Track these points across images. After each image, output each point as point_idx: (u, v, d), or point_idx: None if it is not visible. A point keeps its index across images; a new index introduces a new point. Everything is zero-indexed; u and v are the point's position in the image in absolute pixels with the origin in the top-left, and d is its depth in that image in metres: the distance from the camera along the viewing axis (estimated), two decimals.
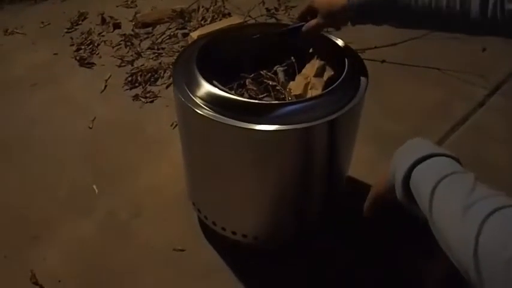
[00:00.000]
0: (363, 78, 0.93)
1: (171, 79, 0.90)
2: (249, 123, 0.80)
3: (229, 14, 2.13)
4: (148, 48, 1.93)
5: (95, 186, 1.29)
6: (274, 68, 1.04)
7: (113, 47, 1.96)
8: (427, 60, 1.78)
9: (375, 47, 1.80)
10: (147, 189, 1.28)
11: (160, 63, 1.82)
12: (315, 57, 0.99)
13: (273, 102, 0.94)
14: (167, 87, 1.69)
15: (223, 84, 0.98)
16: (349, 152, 1.01)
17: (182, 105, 0.87)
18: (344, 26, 0.92)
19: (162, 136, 1.47)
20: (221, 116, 0.82)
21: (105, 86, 1.72)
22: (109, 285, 1.07)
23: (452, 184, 0.60)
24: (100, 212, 1.23)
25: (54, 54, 1.92)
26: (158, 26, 2.08)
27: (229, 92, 0.90)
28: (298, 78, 0.98)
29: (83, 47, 1.96)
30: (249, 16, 2.12)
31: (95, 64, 1.85)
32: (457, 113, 1.55)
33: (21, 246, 1.15)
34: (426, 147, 0.68)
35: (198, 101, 0.86)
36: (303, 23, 0.94)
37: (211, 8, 2.15)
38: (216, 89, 0.85)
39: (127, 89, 1.70)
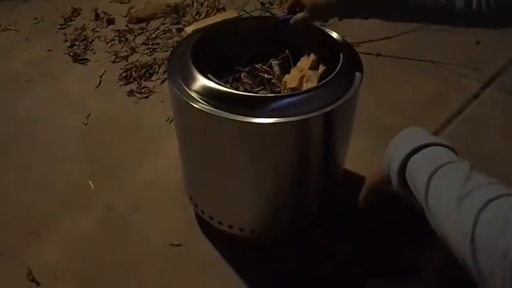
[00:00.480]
0: (357, 71, 0.93)
1: (166, 74, 0.90)
2: (244, 116, 0.81)
3: (223, 9, 2.12)
4: (143, 43, 1.92)
5: (90, 182, 1.29)
6: (270, 62, 1.04)
7: (107, 43, 1.95)
8: (422, 53, 1.78)
9: (370, 41, 1.81)
10: (144, 184, 1.28)
11: (154, 58, 1.81)
12: (310, 50, 0.99)
13: (269, 95, 0.94)
14: (162, 82, 1.69)
15: (219, 78, 0.98)
16: (345, 144, 1.01)
17: (178, 99, 0.87)
18: (332, 20, 0.93)
19: (158, 131, 1.46)
20: (217, 110, 0.82)
21: (100, 81, 1.72)
22: (106, 280, 1.07)
23: (448, 173, 0.60)
24: (97, 207, 1.23)
25: (48, 50, 1.91)
26: (152, 21, 2.07)
27: (224, 85, 0.90)
28: (294, 71, 0.98)
29: (76, 43, 1.94)
30: (244, 10, 2.11)
31: (89, 60, 1.84)
32: (451, 105, 1.56)
33: (18, 243, 1.14)
34: (422, 137, 0.68)
35: (194, 95, 0.86)
36: (291, 15, 0.94)
37: (206, 2, 2.14)
38: (212, 82, 0.85)
39: (122, 85, 1.69)
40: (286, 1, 2.19)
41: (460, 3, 0.79)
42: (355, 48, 1.02)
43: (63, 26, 2.08)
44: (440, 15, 0.83)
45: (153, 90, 1.65)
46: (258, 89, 0.99)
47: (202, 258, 1.09)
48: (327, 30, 1.02)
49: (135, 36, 1.98)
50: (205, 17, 2.03)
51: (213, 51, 1.03)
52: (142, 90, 1.65)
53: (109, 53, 1.87)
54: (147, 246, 1.13)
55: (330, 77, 0.86)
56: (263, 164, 0.88)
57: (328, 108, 0.83)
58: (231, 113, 0.81)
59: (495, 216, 0.51)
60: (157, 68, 1.76)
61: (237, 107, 0.81)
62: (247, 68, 1.03)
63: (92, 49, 1.91)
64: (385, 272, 1.04)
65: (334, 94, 0.85)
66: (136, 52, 1.87)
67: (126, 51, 1.88)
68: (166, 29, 2.01)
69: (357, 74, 0.92)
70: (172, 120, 1.42)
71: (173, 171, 1.21)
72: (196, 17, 2.04)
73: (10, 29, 2.08)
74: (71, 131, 1.49)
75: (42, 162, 1.38)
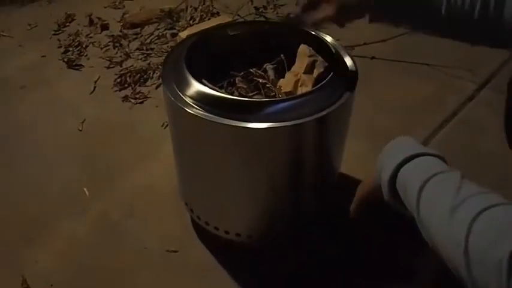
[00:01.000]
0: (352, 75, 0.93)
1: (161, 79, 0.90)
2: (239, 121, 0.80)
3: (217, 13, 2.12)
4: (137, 48, 1.92)
5: (85, 189, 1.28)
6: (264, 66, 1.03)
7: (101, 48, 1.94)
8: (416, 55, 1.78)
9: (364, 44, 1.81)
10: (139, 190, 1.28)
11: (149, 63, 1.81)
12: (304, 54, 0.98)
13: (263, 99, 0.94)
14: (157, 87, 1.68)
15: (213, 82, 0.98)
16: (341, 148, 1.01)
17: (172, 104, 0.87)
18: (350, 23, 0.88)
19: (153, 137, 1.46)
20: (211, 115, 0.82)
21: (94, 87, 1.71)
22: (102, 287, 1.06)
23: (439, 183, 0.60)
24: (92, 213, 1.22)
25: (42, 56, 1.90)
26: (146, 26, 2.07)
27: (219, 90, 0.90)
28: (288, 75, 0.98)
29: (70, 48, 1.94)
30: (238, 15, 2.11)
31: (83, 66, 1.84)
32: (447, 107, 1.56)
33: (12, 250, 1.13)
34: (412, 147, 0.68)
35: (188, 100, 0.85)
36: (303, 16, 0.90)
37: (200, 7, 2.14)
38: (206, 87, 0.85)
39: (116, 90, 1.68)
40: (281, 5, 2.20)
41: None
42: (349, 51, 1.02)
43: (57, 32, 2.07)
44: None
45: (148, 96, 1.65)
46: (252, 94, 0.99)
47: (199, 264, 1.08)
48: (321, 34, 1.02)
49: (130, 41, 1.97)
50: (199, 21, 2.03)
51: (208, 55, 1.03)
52: (137, 96, 1.65)
53: (103, 58, 1.86)
54: (143, 252, 1.12)
55: (324, 81, 0.85)
56: (258, 168, 0.88)
57: (323, 113, 0.83)
58: (225, 118, 0.81)
59: (488, 225, 0.50)
60: (152, 73, 1.76)
61: (231, 112, 0.81)
62: (242, 73, 1.02)
63: (86, 55, 1.90)
64: (382, 274, 1.03)
65: (329, 98, 0.85)
66: (130, 57, 1.86)
67: (120, 56, 1.87)
68: (160, 34, 2.01)
69: (352, 78, 0.92)
70: (167, 125, 1.42)
71: (168, 177, 1.20)
72: (191, 22, 2.04)
73: (3, 35, 2.07)
74: (66, 137, 1.48)
75: (36, 168, 1.37)
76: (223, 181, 0.93)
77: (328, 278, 1.05)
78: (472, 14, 0.74)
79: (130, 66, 1.79)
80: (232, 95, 0.97)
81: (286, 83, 0.96)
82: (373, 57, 1.78)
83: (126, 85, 1.71)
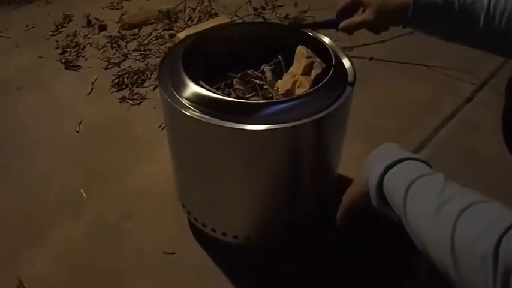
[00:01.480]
0: (350, 76, 0.92)
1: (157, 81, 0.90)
2: (237, 123, 0.80)
3: (216, 14, 2.12)
4: (135, 49, 1.91)
5: (82, 191, 1.28)
6: (262, 67, 1.03)
7: (99, 49, 1.94)
8: (415, 57, 1.78)
9: (363, 45, 1.81)
10: (136, 192, 1.27)
11: (147, 64, 1.80)
12: (302, 55, 0.98)
13: (260, 101, 0.93)
14: (154, 88, 1.68)
15: (210, 84, 0.97)
16: (338, 149, 1.01)
17: (169, 106, 0.86)
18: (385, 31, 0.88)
19: (150, 138, 1.45)
20: (208, 117, 0.81)
21: (92, 88, 1.70)
22: None
23: (423, 185, 0.61)
24: (89, 215, 1.21)
25: (40, 57, 1.90)
26: (144, 27, 2.07)
27: (216, 92, 0.89)
28: (286, 76, 0.97)
29: (68, 49, 1.93)
30: (236, 16, 2.11)
31: (81, 67, 1.83)
32: (445, 108, 1.56)
33: (9, 253, 1.13)
34: (397, 152, 0.70)
35: (185, 101, 0.85)
36: (334, 19, 0.90)
37: (198, 8, 2.14)
38: (203, 89, 0.84)
39: (114, 91, 1.68)
40: (279, 6, 2.20)
41: None
42: (347, 52, 1.01)
43: (55, 33, 2.07)
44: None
45: (146, 97, 1.64)
46: (250, 95, 0.99)
47: (197, 266, 1.08)
48: (319, 35, 1.02)
49: (127, 42, 1.97)
50: (197, 22, 2.02)
51: (205, 56, 1.02)
52: (135, 97, 1.64)
53: (101, 59, 1.86)
54: (140, 254, 1.11)
55: (322, 82, 0.85)
56: (255, 170, 0.87)
57: (321, 114, 0.82)
58: (222, 119, 0.80)
59: (472, 222, 0.52)
60: (149, 74, 1.75)
61: (228, 113, 0.80)
62: (239, 74, 1.02)
63: (84, 56, 1.90)
64: (380, 273, 1.03)
65: (327, 100, 0.85)
66: (128, 58, 1.86)
67: (118, 57, 1.87)
68: (158, 34, 2.01)
69: (350, 79, 0.92)
70: (164, 126, 1.41)
71: (166, 178, 1.19)
72: (189, 22, 2.04)
73: (1, 36, 2.06)
74: (63, 138, 1.47)
75: (33, 169, 1.36)
76: (220, 183, 0.92)
77: (328, 278, 1.04)
78: (510, 30, 0.75)
79: (128, 67, 1.78)
80: (229, 96, 0.97)
81: (283, 85, 0.95)
82: (371, 58, 1.78)
83: (123, 86, 1.70)
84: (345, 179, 1.17)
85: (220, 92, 0.98)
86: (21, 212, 1.23)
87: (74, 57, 1.88)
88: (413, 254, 0.98)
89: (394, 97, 1.62)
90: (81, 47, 1.95)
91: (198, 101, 0.83)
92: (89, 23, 2.12)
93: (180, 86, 0.87)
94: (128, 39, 1.98)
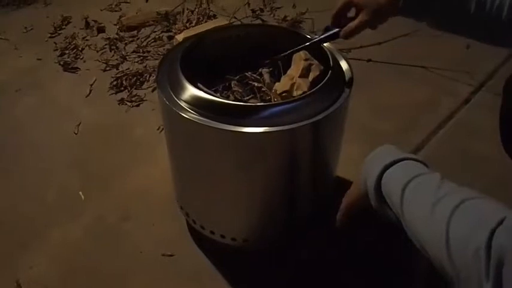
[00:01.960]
0: (348, 78, 0.93)
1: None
2: (235, 125, 0.80)
3: (214, 16, 2.12)
4: (134, 51, 1.91)
5: (81, 193, 1.28)
6: (260, 69, 1.03)
7: (98, 51, 1.94)
8: (413, 58, 1.79)
9: (361, 47, 1.81)
10: (135, 194, 1.27)
11: (145, 66, 1.81)
12: (300, 57, 0.98)
13: (258, 104, 0.94)
14: (153, 90, 1.68)
15: (209, 86, 0.97)
16: (337, 151, 1.01)
17: (167, 108, 0.87)
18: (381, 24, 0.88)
19: (149, 140, 1.45)
20: (206, 119, 0.81)
21: (90, 90, 1.70)
22: None
23: (420, 184, 0.63)
24: (87, 217, 1.21)
25: (38, 59, 1.90)
26: (143, 29, 2.07)
27: (214, 94, 0.90)
28: (284, 79, 0.97)
29: (67, 51, 1.93)
30: (234, 17, 2.11)
31: (80, 69, 1.83)
32: (443, 109, 1.56)
33: (6, 255, 1.13)
34: (394, 153, 0.72)
35: (183, 104, 0.85)
36: (336, 29, 0.91)
37: (196, 10, 2.14)
38: (201, 91, 0.85)
39: (112, 93, 1.68)
40: (277, 8, 2.20)
41: None
42: (345, 54, 1.02)
43: (53, 35, 2.07)
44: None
45: (144, 99, 1.65)
46: (248, 98, 0.99)
47: (195, 268, 1.08)
48: (316, 37, 1.02)
49: (126, 44, 1.97)
50: (196, 24, 2.02)
51: (203, 59, 1.02)
52: (133, 99, 1.64)
53: (99, 61, 1.86)
54: (138, 256, 1.11)
55: (319, 85, 0.85)
56: (253, 172, 0.88)
57: (319, 117, 0.82)
58: (220, 122, 0.80)
59: (466, 217, 0.53)
60: (148, 76, 1.76)
61: (226, 116, 0.80)
62: (238, 77, 1.02)
63: (82, 58, 1.90)
64: (379, 274, 1.03)
65: (325, 102, 0.85)
66: (127, 60, 1.86)
67: (116, 59, 1.87)
68: (157, 36, 2.01)
69: (347, 81, 0.92)
70: (163, 128, 1.41)
71: (164, 180, 1.20)
72: (187, 24, 2.04)
73: None
74: (61, 140, 1.47)
75: (31, 171, 1.36)
76: (218, 185, 0.92)
77: (327, 280, 1.04)
78: (500, 16, 0.76)
79: (127, 69, 1.79)
80: (227, 99, 0.97)
81: (281, 87, 0.95)
82: (369, 60, 1.79)
83: (122, 88, 1.70)
84: (343, 181, 1.17)
85: (218, 94, 0.98)
86: (19, 213, 1.23)
87: (73, 59, 1.88)
88: (411, 254, 0.99)
89: (392, 98, 1.62)
90: (80, 49, 1.95)
91: (196, 104, 0.83)
92: (87, 25, 2.12)
93: (178, 89, 0.87)
94: (126, 41, 1.99)
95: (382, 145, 0.77)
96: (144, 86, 1.71)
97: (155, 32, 2.04)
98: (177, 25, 2.05)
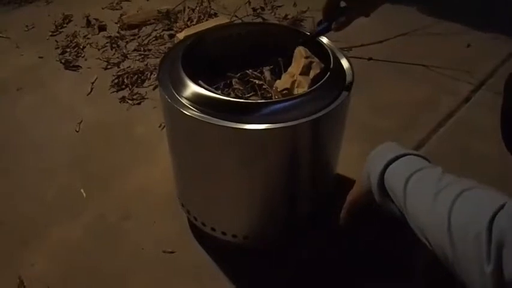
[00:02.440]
0: (348, 76, 0.93)
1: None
2: (236, 122, 0.80)
3: (215, 14, 2.13)
4: (135, 50, 1.92)
5: (82, 190, 1.28)
6: (261, 67, 1.04)
7: (99, 50, 1.94)
8: (413, 57, 1.79)
9: (361, 45, 1.81)
10: (136, 191, 1.27)
11: (146, 64, 1.81)
12: (301, 55, 0.99)
13: (259, 101, 0.94)
14: (154, 88, 1.68)
15: (210, 84, 0.98)
16: (337, 148, 1.01)
17: (168, 106, 0.87)
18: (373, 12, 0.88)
19: (150, 138, 1.46)
20: (208, 116, 0.82)
21: (92, 88, 1.71)
22: None
23: (422, 176, 0.66)
24: (89, 215, 1.22)
25: (39, 57, 1.90)
26: (144, 27, 2.07)
27: (215, 91, 0.90)
28: (285, 76, 0.98)
29: (68, 50, 1.94)
30: (235, 16, 2.11)
31: (81, 67, 1.84)
32: (443, 108, 1.56)
33: (8, 253, 1.13)
34: (397, 149, 0.73)
35: (184, 101, 0.85)
36: (326, 23, 0.91)
37: (197, 8, 2.14)
38: (202, 89, 0.85)
39: (114, 91, 1.68)
40: (278, 6, 2.21)
41: None
42: (346, 52, 1.02)
43: (55, 33, 2.08)
44: None
45: (145, 97, 1.65)
46: (249, 95, 0.99)
47: (196, 265, 1.08)
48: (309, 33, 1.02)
49: (127, 42, 1.97)
50: (197, 23, 2.03)
51: (204, 56, 1.03)
52: (135, 97, 1.65)
53: (101, 59, 1.86)
54: (139, 253, 1.12)
55: (320, 83, 0.86)
56: (254, 169, 0.88)
57: (319, 114, 0.83)
58: (221, 119, 0.81)
59: (468, 203, 0.55)
60: (149, 74, 1.76)
61: (227, 113, 0.81)
62: (239, 74, 1.02)
63: (84, 56, 1.90)
64: (380, 272, 1.04)
65: (325, 100, 0.85)
66: (128, 58, 1.86)
67: (117, 57, 1.87)
68: (158, 35, 2.01)
69: (348, 79, 0.92)
70: (164, 126, 1.42)
71: (165, 178, 1.20)
72: (188, 23, 2.04)
73: (0, 37, 2.07)
74: (62, 139, 1.48)
75: (32, 169, 1.37)
76: (219, 182, 0.93)
77: (328, 278, 1.05)
78: None
79: (128, 67, 1.79)
80: (228, 96, 0.97)
81: (282, 84, 0.96)
82: (370, 59, 1.79)
83: (123, 86, 1.71)
84: (343, 179, 1.18)
85: (219, 91, 0.99)
86: (19, 211, 1.24)
87: (74, 57, 1.89)
88: (412, 250, 1.00)
89: (392, 97, 1.62)
90: (81, 47, 1.96)
91: (198, 101, 0.84)
92: (88, 23, 2.12)
93: (180, 86, 0.87)
94: (127, 40, 1.99)
95: (383, 142, 0.78)
96: (146, 84, 1.72)
97: (156, 30, 2.04)
98: (178, 23, 2.05)
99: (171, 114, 0.90)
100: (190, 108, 0.84)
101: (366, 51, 1.80)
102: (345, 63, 0.97)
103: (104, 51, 1.93)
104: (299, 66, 0.96)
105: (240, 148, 0.85)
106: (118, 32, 2.05)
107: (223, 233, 1.00)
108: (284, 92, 0.94)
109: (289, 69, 0.99)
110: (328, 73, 0.88)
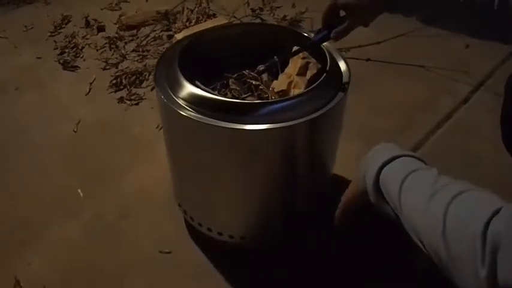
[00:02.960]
0: (345, 76, 0.93)
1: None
2: (232, 123, 0.80)
3: (214, 15, 2.13)
4: (133, 50, 1.92)
5: (79, 191, 1.28)
6: (257, 68, 1.03)
7: (97, 50, 1.94)
8: (412, 57, 1.79)
9: (359, 46, 1.81)
10: (133, 191, 1.27)
11: (145, 65, 1.81)
12: (298, 56, 0.99)
13: (256, 101, 0.94)
14: (152, 89, 1.68)
15: (207, 84, 0.98)
16: (334, 149, 1.01)
17: (165, 106, 0.87)
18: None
19: (148, 138, 1.46)
20: (204, 117, 0.82)
21: (90, 89, 1.71)
22: None
23: (417, 178, 0.66)
24: (86, 214, 1.22)
25: (38, 58, 1.90)
26: (143, 28, 2.07)
27: (212, 92, 0.90)
28: (281, 77, 0.98)
29: (66, 50, 1.94)
30: (234, 17, 2.11)
31: (79, 67, 1.84)
32: (442, 109, 1.56)
33: (5, 253, 1.13)
34: (392, 150, 0.73)
35: (181, 102, 0.85)
36: (326, 32, 0.92)
37: (196, 9, 2.14)
38: (199, 89, 0.85)
39: (112, 92, 1.68)
40: (277, 7, 2.21)
41: None
42: (344, 53, 1.02)
43: (53, 34, 2.08)
44: None
45: (143, 97, 1.65)
46: (245, 96, 0.99)
47: (193, 265, 1.08)
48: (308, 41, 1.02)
49: (126, 43, 1.97)
50: (195, 23, 2.03)
51: (202, 57, 1.03)
52: (133, 97, 1.65)
53: (99, 60, 1.86)
54: (136, 253, 1.12)
55: (316, 83, 0.86)
56: (251, 170, 0.88)
57: (316, 114, 0.83)
58: (218, 119, 0.81)
59: (463, 206, 0.55)
60: (147, 74, 1.76)
61: (224, 113, 0.81)
62: (235, 75, 1.02)
63: (82, 56, 1.91)
64: (380, 272, 1.04)
65: (322, 100, 0.85)
66: (126, 59, 1.86)
67: (116, 58, 1.87)
68: (156, 35, 2.01)
69: (344, 79, 0.92)
70: (162, 127, 1.42)
71: (163, 178, 1.20)
72: (187, 23, 2.04)
73: None
74: (60, 139, 1.48)
75: (30, 169, 1.37)
76: (215, 183, 0.93)
77: (326, 278, 1.05)
78: (492, 4, 0.76)
79: (126, 68, 1.79)
80: (225, 96, 0.97)
81: (279, 85, 0.96)
82: (368, 59, 1.79)
83: (121, 87, 1.71)
84: (340, 179, 1.18)
85: (216, 92, 0.98)
86: (17, 211, 1.24)
87: (72, 57, 1.89)
88: (408, 252, 1.00)
89: (390, 98, 1.62)
90: (80, 47, 1.96)
91: (194, 101, 0.84)
92: (87, 23, 2.12)
93: (176, 87, 0.87)
94: (126, 40, 1.99)
95: (380, 143, 0.78)
96: (144, 85, 1.72)
97: (155, 31, 2.04)
98: (176, 24, 2.05)
99: (168, 114, 0.90)
100: (187, 109, 0.84)
101: (364, 52, 1.80)
102: (341, 63, 0.97)
103: (102, 51, 1.93)
104: (296, 66, 0.96)
105: (237, 148, 0.85)
106: (117, 33, 2.05)
107: (220, 234, 1.00)
108: (280, 93, 0.94)
109: (286, 70, 0.99)
110: (325, 74, 0.88)
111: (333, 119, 0.91)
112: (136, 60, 1.85)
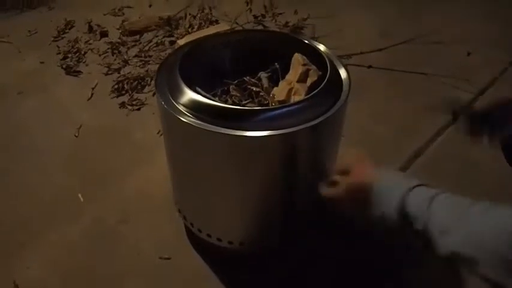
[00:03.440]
0: (345, 83, 0.93)
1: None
2: (232, 129, 0.80)
3: (216, 21, 2.14)
4: (136, 56, 1.93)
5: (80, 195, 1.28)
6: (258, 74, 1.04)
7: (100, 55, 1.95)
8: (413, 65, 1.79)
9: (361, 53, 1.81)
10: (133, 196, 1.28)
11: (147, 70, 1.82)
12: (298, 62, 0.99)
13: (256, 108, 0.94)
14: (154, 94, 1.69)
15: (207, 90, 0.98)
16: (334, 155, 1.01)
17: (165, 112, 0.87)
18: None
19: (148, 143, 1.46)
20: (204, 123, 0.82)
21: (92, 94, 1.72)
22: None
23: (450, 197, 0.68)
24: (86, 219, 1.22)
25: (41, 62, 1.92)
26: (145, 33, 2.08)
27: (212, 98, 0.90)
28: (282, 84, 0.98)
29: (69, 55, 1.95)
30: (236, 23, 2.12)
31: (82, 72, 1.85)
32: (442, 116, 1.56)
33: (4, 255, 1.13)
34: (403, 180, 0.76)
35: (181, 108, 0.85)
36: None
37: (199, 15, 2.15)
38: (199, 95, 0.85)
39: (114, 97, 1.69)
40: (279, 14, 2.22)
41: None
42: (346, 60, 1.02)
43: (57, 39, 2.09)
44: None
45: (145, 103, 1.66)
46: (246, 102, 0.99)
47: (192, 272, 1.08)
48: (315, 43, 1.03)
49: (128, 48, 1.98)
50: (198, 29, 2.04)
51: (203, 63, 1.03)
52: (134, 103, 1.65)
53: (101, 65, 1.87)
54: (136, 258, 1.12)
55: (317, 90, 0.86)
56: (251, 176, 0.88)
57: (316, 121, 0.83)
58: (218, 126, 0.81)
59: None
60: (149, 80, 1.77)
61: (224, 120, 0.81)
62: (236, 81, 1.03)
63: (85, 61, 1.92)
64: (380, 271, 1.03)
65: (322, 107, 0.85)
66: (128, 64, 1.87)
67: (118, 63, 1.88)
68: (159, 41, 2.02)
69: (345, 86, 0.92)
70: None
71: (163, 184, 1.20)
72: (189, 29, 2.05)
73: (3, 41, 2.08)
74: (62, 143, 1.48)
75: (31, 173, 1.37)
76: (215, 189, 0.93)
77: (326, 279, 1.04)
78: None
79: (128, 73, 1.80)
80: (225, 103, 0.97)
81: (279, 91, 0.96)
82: (369, 66, 1.79)
83: (123, 92, 1.72)
84: None
85: (216, 98, 0.99)
86: (18, 214, 1.24)
87: (75, 62, 1.90)
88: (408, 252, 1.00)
89: (391, 105, 1.62)
90: (82, 52, 1.97)
91: (195, 108, 0.84)
92: (90, 29, 2.14)
93: (177, 93, 0.87)
94: (128, 46, 2.00)
95: (379, 171, 0.79)
96: (145, 90, 1.72)
97: (157, 36, 2.05)
98: (179, 30, 2.06)
99: (168, 120, 0.90)
100: (187, 115, 0.84)
101: (366, 59, 1.80)
102: (342, 70, 0.97)
103: (105, 56, 1.94)
104: (296, 73, 0.96)
105: (236, 155, 0.85)
106: (119, 38, 2.06)
107: (219, 240, 1.00)
108: (281, 99, 0.94)
109: (287, 77, 0.99)
110: (325, 80, 0.88)
111: (333, 126, 0.91)
112: (139, 66, 1.86)
